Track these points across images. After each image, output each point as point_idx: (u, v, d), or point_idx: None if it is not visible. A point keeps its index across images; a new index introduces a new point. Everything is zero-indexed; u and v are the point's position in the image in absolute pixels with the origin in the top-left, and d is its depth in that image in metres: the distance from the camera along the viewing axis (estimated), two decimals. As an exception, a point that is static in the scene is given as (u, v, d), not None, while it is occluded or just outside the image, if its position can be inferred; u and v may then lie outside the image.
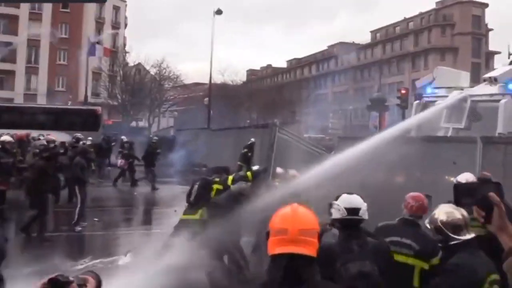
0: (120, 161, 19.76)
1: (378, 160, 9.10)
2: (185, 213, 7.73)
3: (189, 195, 7.93)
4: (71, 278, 1.42)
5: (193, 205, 7.68)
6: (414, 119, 11.01)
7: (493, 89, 10.18)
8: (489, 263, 3.25)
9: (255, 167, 8.45)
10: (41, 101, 42.94)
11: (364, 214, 3.61)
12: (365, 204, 3.66)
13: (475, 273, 3.15)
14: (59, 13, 47.40)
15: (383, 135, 9.44)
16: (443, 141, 9.53)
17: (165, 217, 9.49)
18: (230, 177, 7.97)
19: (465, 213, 3.37)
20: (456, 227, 3.35)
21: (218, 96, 44.63)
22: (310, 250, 2.32)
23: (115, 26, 52.88)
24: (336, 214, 3.63)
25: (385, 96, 32.14)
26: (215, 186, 7.84)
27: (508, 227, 1.85)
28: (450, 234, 3.33)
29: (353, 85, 61.26)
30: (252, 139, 15.17)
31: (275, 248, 2.32)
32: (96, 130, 25.32)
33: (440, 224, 3.36)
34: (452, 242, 3.33)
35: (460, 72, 12.95)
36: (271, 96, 54.98)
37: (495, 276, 3.15)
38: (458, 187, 1.98)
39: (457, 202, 1.94)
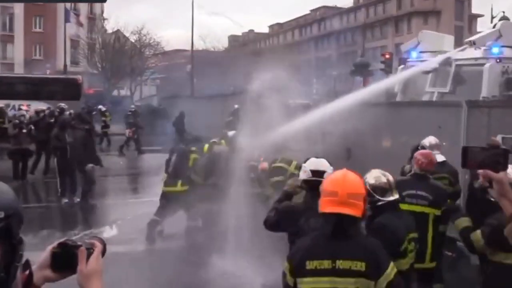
0: (128, 131, 20.28)
1: (359, 125, 9.08)
2: (166, 185, 7.83)
3: (167, 165, 8.01)
4: (79, 243, 1.51)
5: (172, 176, 7.78)
6: (386, 82, 11.02)
7: (478, 53, 10.16)
8: (409, 223, 3.78)
9: (230, 133, 8.61)
10: (19, 70, 41.90)
11: None
12: (331, 168, 3.81)
13: (397, 231, 3.58)
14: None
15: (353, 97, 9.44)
16: (428, 106, 9.57)
17: (153, 186, 9.55)
18: (206, 146, 8.08)
19: (390, 177, 3.81)
20: (383, 190, 3.73)
21: (201, 63, 44.06)
22: (356, 211, 2.72)
23: (92, -9, 51.35)
24: (302, 175, 3.88)
25: (369, 61, 32.01)
26: (192, 156, 7.94)
27: (509, 193, 1.86)
28: (377, 196, 3.69)
29: (336, 50, 60.91)
30: (236, 106, 15.09)
31: (326, 207, 2.76)
32: (77, 99, 24.86)
33: (369, 187, 3.64)
34: (379, 203, 3.69)
35: (444, 35, 12.89)
36: (254, 62, 54.47)
37: (413, 234, 3.71)
38: (466, 150, 1.92)
39: (464, 165, 1.96)
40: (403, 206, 4.23)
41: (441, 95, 10.53)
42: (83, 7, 48.65)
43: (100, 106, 23.50)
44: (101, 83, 45.07)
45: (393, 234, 3.53)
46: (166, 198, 7.90)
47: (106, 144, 21.52)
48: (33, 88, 24.58)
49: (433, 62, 10.70)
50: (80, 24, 40.67)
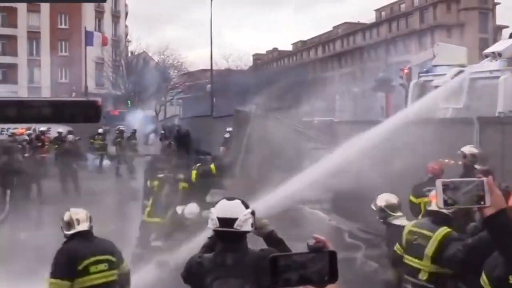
0: None
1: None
2: (149, 215, 7.35)
3: (146, 192, 7.63)
4: None
5: (159, 206, 7.33)
6: (421, 103, 10.42)
7: (493, 65, 9.67)
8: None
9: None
10: (46, 93, 42.82)
11: (244, 225, 3.03)
12: (247, 212, 3.06)
13: None
14: (57, 3, 47.02)
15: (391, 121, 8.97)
16: (439, 123, 9.11)
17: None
18: (194, 173, 7.73)
19: (397, 198, 5.38)
20: (393, 207, 5.28)
21: (223, 82, 44.15)
22: None
23: (115, 14, 52.40)
24: (210, 223, 3.13)
25: (391, 76, 31.43)
26: (182, 185, 7.57)
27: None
28: (390, 212, 5.21)
29: (359, 66, 60.38)
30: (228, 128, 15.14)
31: None
32: (97, 121, 25.12)
33: (383, 206, 5.26)
34: (390, 218, 5.21)
35: (460, 47, 12.40)
36: (277, 80, 54.42)
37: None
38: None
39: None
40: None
41: (456, 111, 10.04)
42: (108, 29, 49.65)
43: (119, 126, 23.25)
44: (125, 104, 45.65)
45: None
46: (148, 229, 7.32)
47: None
48: (53, 111, 24.92)
49: (446, 76, 10.23)
50: (105, 43, 41.25)
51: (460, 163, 7.46)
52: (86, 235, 4.45)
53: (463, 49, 11.90)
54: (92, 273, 4.34)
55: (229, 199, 3.18)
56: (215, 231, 3.09)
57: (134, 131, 20.58)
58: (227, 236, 3.03)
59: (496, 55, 10.25)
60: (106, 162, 21.82)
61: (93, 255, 4.36)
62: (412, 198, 6.79)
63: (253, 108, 10.13)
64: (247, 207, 3.09)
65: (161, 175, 7.83)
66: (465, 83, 9.79)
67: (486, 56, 10.82)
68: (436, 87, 9.96)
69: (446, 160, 8.51)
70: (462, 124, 8.07)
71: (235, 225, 2.99)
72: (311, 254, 1.42)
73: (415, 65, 11.85)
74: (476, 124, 7.48)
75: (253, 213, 3.07)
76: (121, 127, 21.24)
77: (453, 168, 7.94)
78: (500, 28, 53.87)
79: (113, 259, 4.48)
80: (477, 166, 6.84)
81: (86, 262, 4.32)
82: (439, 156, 8.51)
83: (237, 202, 3.12)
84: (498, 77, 9.18)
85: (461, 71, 9.92)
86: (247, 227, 3.02)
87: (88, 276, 4.32)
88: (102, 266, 4.39)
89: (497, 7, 55.43)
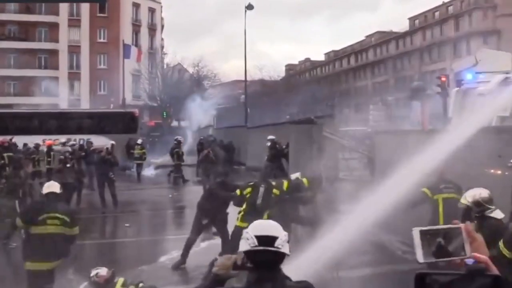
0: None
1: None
2: (244, 220, 7.02)
3: (241, 199, 7.43)
4: None
5: (258, 210, 7.10)
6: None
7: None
8: None
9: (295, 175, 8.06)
10: (85, 105, 43.99)
11: (284, 245, 2.67)
12: (286, 233, 2.75)
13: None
14: (97, 18, 48.40)
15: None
16: (485, 132, 8.91)
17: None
18: (286, 183, 7.62)
19: (488, 191, 5.41)
20: (489, 200, 5.30)
21: (256, 92, 44.44)
22: None
23: (152, 28, 53.53)
24: (244, 245, 2.69)
25: (426, 85, 30.98)
26: (274, 191, 7.41)
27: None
28: (487, 206, 5.22)
29: (393, 75, 59.71)
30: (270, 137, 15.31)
31: None
32: (134, 132, 25.66)
33: (480, 200, 5.26)
34: (487, 211, 5.21)
35: (505, 53, 12.08)
36: (310, 90, 54.40)
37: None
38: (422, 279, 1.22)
39: None
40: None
41: (502, 119, 9.86)
42: (144, 42, 50.73)
43: (177, 137, 23.40)
44: (161, 115, 46.44)
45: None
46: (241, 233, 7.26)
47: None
48: (92, 123, 25.55)
49: (492, 83, 10.07)
50: (139, 60, 42.28)
51: (507, 173, 7.33)
52: (54, 196, 6.25)
53: (508, 55, 11.61)
54: (48, 224, 6.01)
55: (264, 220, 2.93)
56: (251, 254, 2.65)
57: (179, 142, 21.03)
58: (264, 260, 2.62)
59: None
60: (146, 171, 22.52)
61: (53, 212, 6.05)
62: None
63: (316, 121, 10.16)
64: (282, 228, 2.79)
65: (252, 182, 7.83)
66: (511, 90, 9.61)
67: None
68: (481, 94, 9.80)
69: (492, 171, 8.28)
70: (509, 133, 7.92)
71: (276, 244, 2.63)
72: (469, 276, 1.14)
73: (456, 71, 11.63)
74: (524, 133, 7.31)
75: (289, 236, 2.75)
76: (179, 138, 21.66)
77: (500, 178, 7.77)
78: (539, 34, 52.51)
79: (68, 220, 6.11)
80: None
81: (46, 215, 6.01)
82: (485, 165, 8.34)
83: (274, 222, 2.84)
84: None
85: (507, 78, 9.72)
86: (287, 249, 2.68)
87: (44, 226, 6.01)
88: (56, 221, 6.02)
89: (536, 13, 54.08)
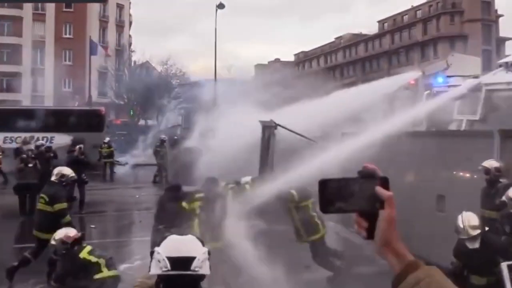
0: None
1: (386, 157, 8.56)
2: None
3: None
4: None
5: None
6: (418, 111, 10.36)
7: (510, 76, 9.52)
8: None
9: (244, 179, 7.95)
10: (49, 102, 42.75)
11: (203, 266, 2.31)
12: (205, 250, 2.35)
13: None
14: (62, 13, 47.14)
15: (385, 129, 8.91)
16: (455, 135, 8.94)
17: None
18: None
19: None
20: None
21: (225, 92, 44.10)
22: None
23: (120, 24, 52.51)
24: (155, 268, 2.30)
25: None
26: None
27: (393, 241, 1.26)
28: None
29: (362, 77, 60.36)
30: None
31: None
32: (100, 130, 24.95)
33: None
34: None
35: (474, 58, 12.24)
36: (279, 90, 54.34)
37: None
38: (324, 184, 1.25)
39: (323, 209, 1.26)
40: None
41: (471, 123, 9.88)
42: (111, 40, 49.72)
43: (107, 138, 23.11)
44: (128, 113, 45.59)
45: None
46: None
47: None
48: (56, 120, 24.72)
49: (462, 87, 10.08)
50: (108, 55, 41.40)
51: (476, 177, 7.31)
52: (52, 183, 8.01)
53: (477, 60, 11.76)
54: (39, 202, 7.90)
55: (180, 234, 2.41)
56: (164, 278, 2.27)
57: (163, 141, 20.56)
58: (180, 285, 2.27)
59: (509, 66, 10.14)
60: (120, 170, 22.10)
61: (44, 193, 7.83)
62: None
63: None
64: (202, 244, 2.38)
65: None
66: (480, 94, 9.64)
67: (500, 66, 10.68)
68: (455, 99, 9.80)
69: (459, 173, 8.34)
70: (481, 136, 7.89)
71: (192, 267, 2.26)
72: (361, 179, 1.25)
73: (427, 75, 11.68)
74: (497, 136, 7.28)
75: (209, 253, 2.37)
76: (163, 137, 21.13)
77: (469, 182, 7.75)
78: (503, 40, 53.92)
79: (47, 199, 7.68)
80: (502, 180, 6.69)
81: (41, 195, 7.90)
82: (455, 169, 8.35)
83: (192, 237, 2.39)
84: (515, 89, 9.03)
85: (477, 82, 9.76)
86: (206, 269, 2.31)
87: (38, 204, 7.96)
88: (43, 200, 7.74)
89: (500, 19, 55.56)
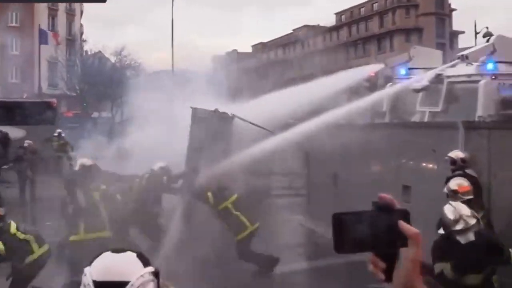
0: None
1: (352, 148, 8.46)
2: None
3: None
4: None
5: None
6: (368, 99, 10.34)
7: (471, 69, 9.48)
8: None
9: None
10: (-5, 94, 40.78)
11: None
12: (146, 271, 1.78)
13: None
14: (8, 0, 44.91)
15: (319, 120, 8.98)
16: (420, 127, 8.90)
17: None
18: None
19: None
20: None
21: (182, 83, 43.39)
22: None
23: (70, 13, 50.56)
24: None
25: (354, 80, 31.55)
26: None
27: (417, 286, 1.08)
28: None
29: (320, 69, 60.81)
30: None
31: None
32: (52, 123, 23.94)
33: None
34: None
35: (436, 51, 12.30)
36: (237, 82, 54.01)
37: None
38: (340, 221, 1.09)
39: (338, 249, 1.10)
40: None
41: (433, 115, 9.82)
42: (61, 28, 47.83)
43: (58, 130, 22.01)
44: (80, 105, 44.10)
45: None
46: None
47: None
48: (5, 112, 23.53)
49: (423, 79, 10.00)
50: (58, 43, 39.76)
51: (440, 167, 7.28)
52: None
53: (439, 53, 11.78)
54: None
55: (116, 250, 1.86)
56: None
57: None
58: None
59: (464, 58, 10.15)
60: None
61: None
62: None
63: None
64: (146, 263, 1.82)
65: None
66: (442, 86, 9.57)
67: (459, 58, 10.65)
68: (417, 90, 9.68)
69: (424, 164, 8.34)
70: (446, 128, 7.82)
71: None
72: (377, 213, 1.11)
73: (389, 67, 11.57)
74: (461, 128, 7.21)
75: (157, 274, 1.81)
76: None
77: (434, 172, 7.70)
78: (456, 33, 55.35)
79: None
80: (468, 171, 6.64)
81: None
82: (420, 160, 8.28)
83: (130, 255, 1.83)
84: (477, 81, 8.96)
85: (438, 74, 9.67)
86: None
87: None
88: None
89: (454, 13, 57.01)
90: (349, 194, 8.83)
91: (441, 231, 4.81)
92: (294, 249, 9.50)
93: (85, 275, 1.79)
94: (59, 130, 21.43)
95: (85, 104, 43.02)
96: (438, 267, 4.65)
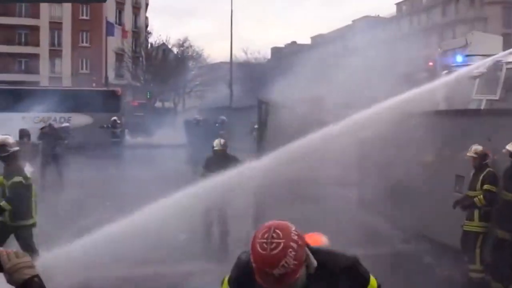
0: None
1: (404, 137, 8.45)
2: None
3: None
4: None
5: None
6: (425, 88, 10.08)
7: (531, 56, 9.25)
8: None
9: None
10: (66, 84, 43.10)
11: None
12: None
13: None
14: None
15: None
16: (475, 115, 8.78)
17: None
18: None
19: None
20: None
21: (242, 74, 44.03)
22: None
23: (136, 6, 52.44)
24: None
25: (412, 70, 30.86)
26: None
27: None
28: None
29: (380, 61, 59.65)
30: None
31: None
32: (117, 111, 25.10)
33: None
34: None
35: (496, 36, 11.79)
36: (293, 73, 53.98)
37: None
38: None
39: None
40: None
41: (490, 103, 9.66)
42: (128, 21, 49.71)
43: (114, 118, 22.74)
44: (145, 95, 45.77)
45: None
46: None
47: None
48: (74, 101, 24.90)
49: (481, 66, 9.82)
50: (125, 36, 41.40)
51: (496, 157, 7.16)
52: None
53: (498, 38, 11.33)
54: None
55: None
56: None
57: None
58: None
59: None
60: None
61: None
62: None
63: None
64: None
65: None
66: (501, 73, 9.39)
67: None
68: (474, 77, 9.55)
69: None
70: (503, 115, 7.73)
71: None
72: None
73: (444, 50, 11.22)
74: (519, 116, 7.11)
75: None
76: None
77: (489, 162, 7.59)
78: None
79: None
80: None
81: None
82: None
83: None
84: (536, 68, 8.79)
85: (497, 61, 9.47)
86: None
87: None
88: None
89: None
90: (402, 183, 8.68)
91: None
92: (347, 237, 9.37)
93: None
94: (114, 118, 22.30)
95: (148, 95, 44.61)
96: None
